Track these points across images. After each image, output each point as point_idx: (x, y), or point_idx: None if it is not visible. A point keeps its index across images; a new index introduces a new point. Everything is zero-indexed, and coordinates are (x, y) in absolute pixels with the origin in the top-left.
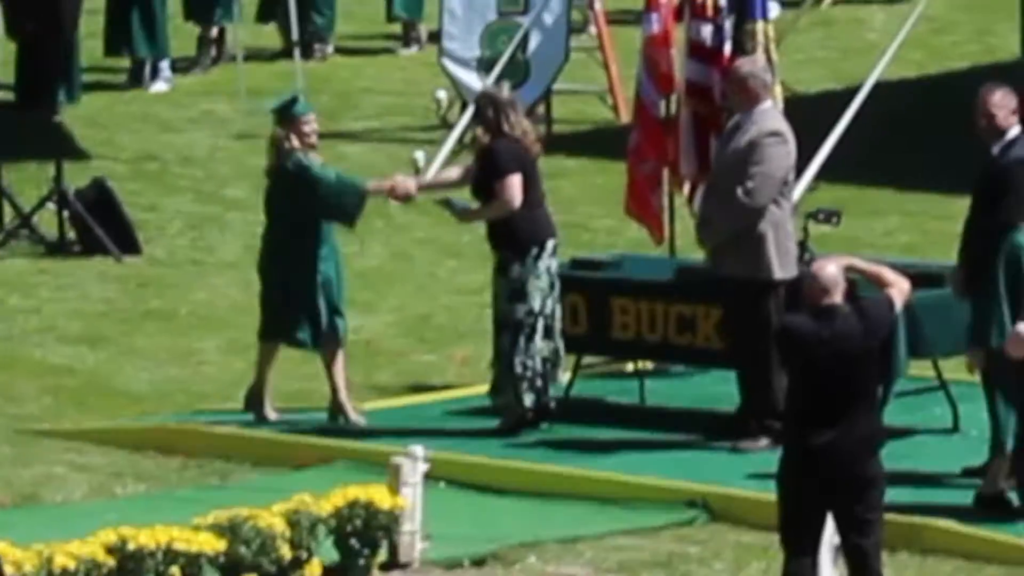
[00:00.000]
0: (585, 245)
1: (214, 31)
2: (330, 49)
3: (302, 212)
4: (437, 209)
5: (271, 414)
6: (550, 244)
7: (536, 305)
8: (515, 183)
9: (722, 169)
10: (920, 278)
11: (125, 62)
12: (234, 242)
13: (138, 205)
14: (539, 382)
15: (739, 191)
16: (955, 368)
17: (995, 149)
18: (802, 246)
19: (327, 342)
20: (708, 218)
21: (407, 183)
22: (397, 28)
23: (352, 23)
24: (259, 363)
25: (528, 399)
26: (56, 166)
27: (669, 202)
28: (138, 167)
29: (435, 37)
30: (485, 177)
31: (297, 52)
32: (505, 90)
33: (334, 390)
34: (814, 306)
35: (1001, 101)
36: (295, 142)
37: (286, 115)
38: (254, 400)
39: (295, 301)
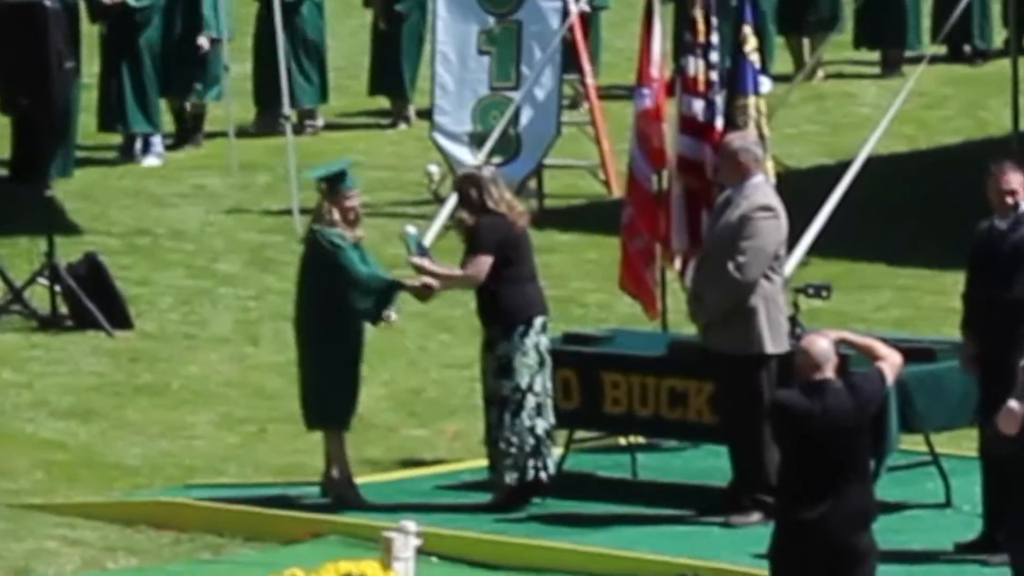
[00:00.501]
0: (577, 320)
1: (190, 105)
2: (320, 123)
3: (328, 287)
4: None
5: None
6: (538, 321)
7: (523, 382)
8: (484, 262)
9: (713, 244)
10: (912, 353)
11: (116, 137)
12: (226, 316)
13: (130, 279)
14: (524, 460)
15: (730, 265)
16: (947, 442)
17: (1003, 223)
18: (792, 321)
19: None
20: (699, 293)
21: (432, 283)
22: (388, 104)
23: (343, 98)
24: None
25: (510, 477)
26: (48, 241)
27: (661, 277)
28: (130, 242)
29: (424, 114)
30: (469, 249)
31: (288, 127)
32: (486, 168)
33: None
34: (805, 381)
35: (1020, 179)
36: (335, 215)
37: (331, 186)
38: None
39: (331, 379)
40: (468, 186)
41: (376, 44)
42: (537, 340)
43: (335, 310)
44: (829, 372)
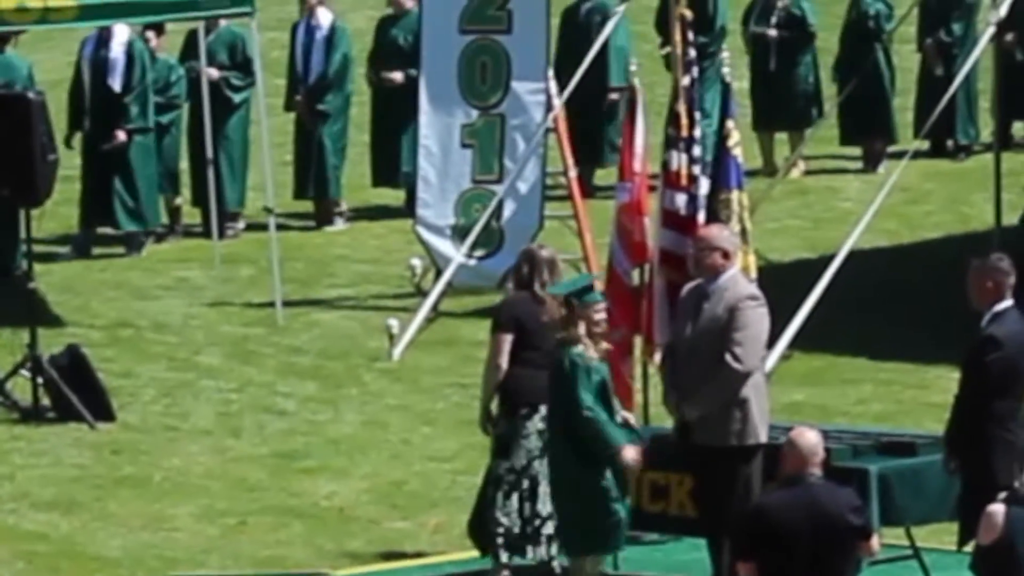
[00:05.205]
0: None
1: (179, 200)
2: (241, 226)
3: (565, 408)
4: (411, 376)
5: None
6: (545, 408)
7: (519, 463)
8: (504, 341)
9: (700, 338)
10: (893, 447)
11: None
12: (208, 409)
13: (112, 372)
14: (518, 542)
15: (727, 357)
16: (928, 536)
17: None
18: None
19: None
20: (690, 390)
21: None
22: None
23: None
24: None
25: (504, 556)
26: (30, 332)
27: (642, 371)
28: (112, 334)
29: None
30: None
31: (272, 221)
32: (547, 249)
33: None
34: (791, 474)
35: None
36: (581, 329)
37: (579, 300)
38: None
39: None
40: (524, 261)
41: (300, 146)
42: (543, 427)
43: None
44: (815, 467)
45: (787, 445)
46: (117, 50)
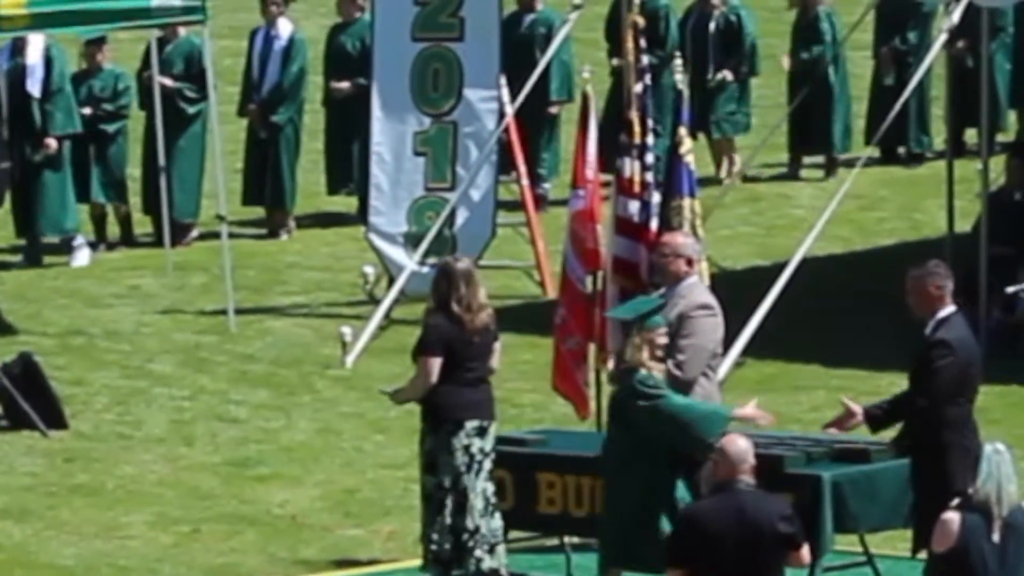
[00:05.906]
0: (512, 420)
1: (124, 208)
2: (195, 234)
3: (643, 434)
4: (364, 383)
5: None
6: (471, 424)
7: (445, 480)
8: (432, 364)
9: None
10: (846, 454)
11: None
12: (161, 417)
13: (64, 379)
14: (447, 556)
15: (670, 364)
16: (882, 543)
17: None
18: None
19: None
20: None
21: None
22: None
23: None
24: None
25: (433, 572)
26: None
27: (596, 377)
28: (64, 342)
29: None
30: (416, 350)
31: (224, 229)
32: (463, 261)
33: None
34: (721, 481)
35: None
36: (644, 354)
37: (643, 324)
38: None
39: (643, 523)
40: (441, 277)
41: (251, 152)
42: (468, 442)
43: (649, 458)
44: (746, 474)
45: (717, 453)
46: (34, 56)
